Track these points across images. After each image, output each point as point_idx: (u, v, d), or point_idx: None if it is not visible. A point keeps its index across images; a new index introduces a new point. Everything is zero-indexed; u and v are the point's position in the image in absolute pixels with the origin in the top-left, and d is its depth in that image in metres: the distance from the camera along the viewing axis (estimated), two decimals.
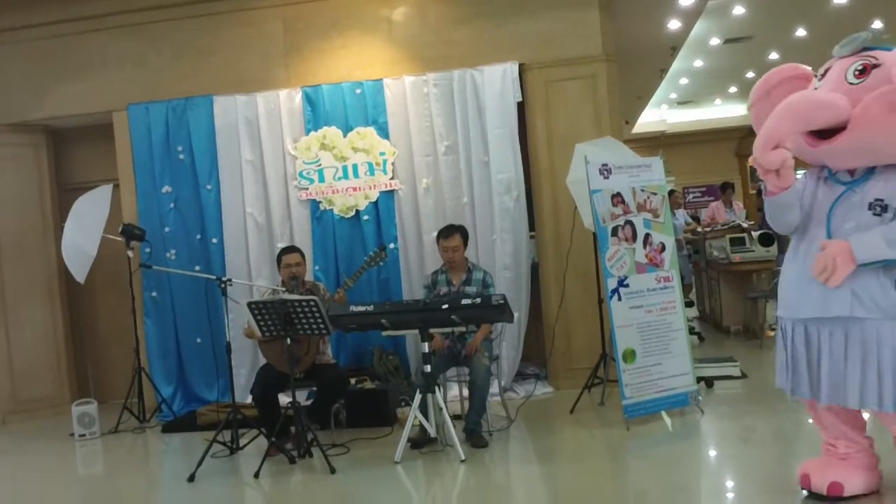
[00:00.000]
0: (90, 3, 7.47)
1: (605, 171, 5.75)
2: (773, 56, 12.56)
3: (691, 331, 7.16)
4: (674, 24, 9.77)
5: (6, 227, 7.78)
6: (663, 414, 5.69)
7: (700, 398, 5.89)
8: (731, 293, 9.29)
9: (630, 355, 5.62)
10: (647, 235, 5.81)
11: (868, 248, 3.42)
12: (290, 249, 6.17)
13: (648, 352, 5.69)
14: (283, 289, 5.90)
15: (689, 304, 9.16)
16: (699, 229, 11.05)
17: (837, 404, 3.65)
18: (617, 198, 5.75)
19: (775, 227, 3.83)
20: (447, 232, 6.02)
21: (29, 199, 7.91)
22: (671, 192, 10.91)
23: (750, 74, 14.26)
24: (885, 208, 3.46)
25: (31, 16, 7.56)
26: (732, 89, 16.53)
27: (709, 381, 6.68)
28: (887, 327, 3.46)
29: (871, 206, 3.49)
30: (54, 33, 7.58)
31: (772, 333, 9.20)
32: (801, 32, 11.10)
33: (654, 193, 5.89)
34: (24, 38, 7.65)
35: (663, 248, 5.86)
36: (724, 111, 18.42)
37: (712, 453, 5.30)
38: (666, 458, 5.07)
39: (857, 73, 3.53)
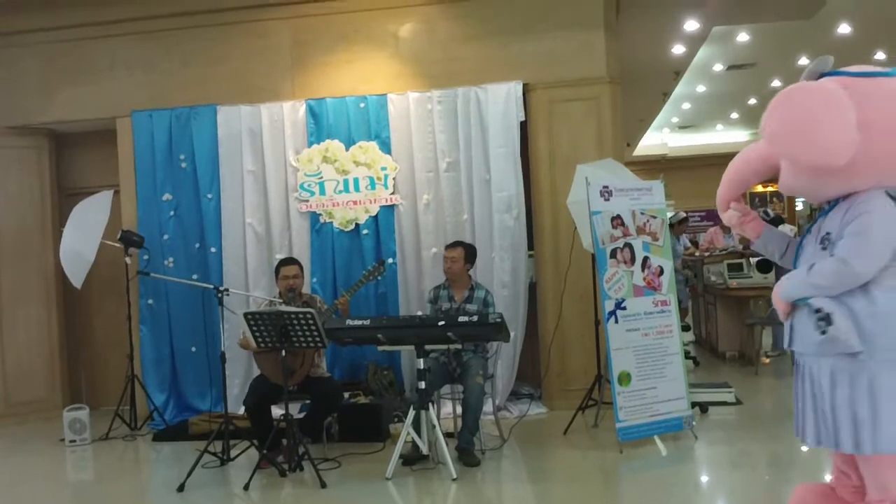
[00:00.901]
0: (100, 8, 7.50)
1: (606, 192, 5.76)
2: (776, 83, 12.64)
3: (687, 355, 7.15)
4: (678, 49, 9.84)
5: (5, 229, 7.78)
6: (656, 438, 5.68)
7: (694, 423, 5.88)
8: (727, 319, 9.29)
9: (625, 378, 5.61)
10: (645, 258, 5.81)
11: (787, 285, 3.45)
12: (289, 261, 6.17)
13: (644, 375, 5.67)
14: (280, 300, 5.89)
15: (685, 329, 9.16)
16: (697, 253, 11.06)
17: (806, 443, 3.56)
18: (617, 220, 5.75)
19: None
20: (452, 244, 6.14)
21: (29, 201, 7.91)
22: (684, 220, 10.97)
23: (752, 101, 14.36)
24: (829, 242, 3.38)
25: (42, 20, 7.59)
26: (734, 115, 16.62)
27: (703, 407, 6.66)
28: (815, 364, 3.38)
29: (822, 241, 3.45)
30: (63, 38, 7.62)
31: (767, 360, 9.20)
32: (803, 61, 11.16)
33: (654, 217, 5.89)
34: (33, 42, 7.68)
35: (661, 272, 5.86)
36: (726, 136, 18.51)
37: (705, 478, 5.28)
38: (659, 482, 5.05)
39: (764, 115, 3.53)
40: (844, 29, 9.81)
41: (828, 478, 3.79)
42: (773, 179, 3.71)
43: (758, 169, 3.64)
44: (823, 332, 3.28)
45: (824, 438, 3.38)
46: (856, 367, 3.27)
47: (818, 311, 3.31)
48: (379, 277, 6.33)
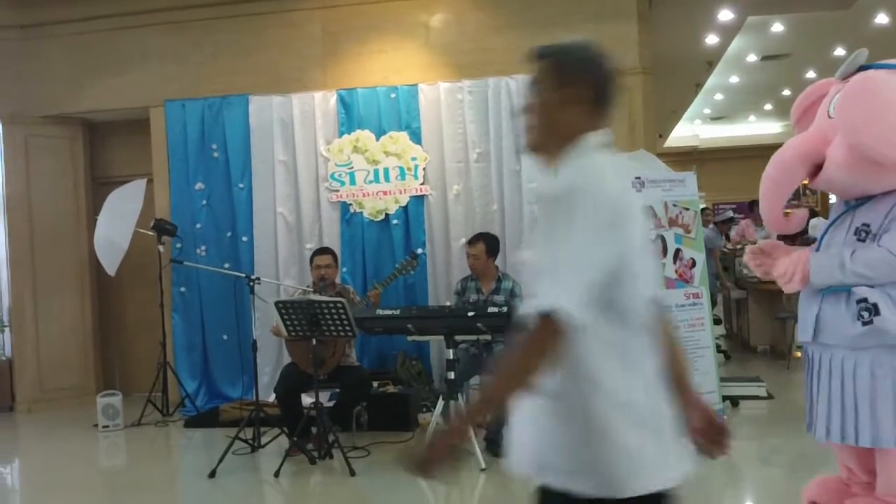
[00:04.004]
0: None
1: (638, 184, 5.72)
2: (811, 74, 12.45)
3: (718, 349, 7.09)
4: (711, 39, 9.72)
5: (40, 218, 7.88)
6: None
7: (725, 417, 5.83)
8: (759, 312, 9.19)
9: None
10: (677, 251, 5.77)
11: (821, 267, 3.35)
12: (323, 251, 6.21)
13: None
14: (312, 289, 5.92)
15: (716, 322, 9.08)
16: (729, 247, 10.95)
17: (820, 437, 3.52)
18: (648, 211, 5.71)
19: None
20: (472, 239, 6.10)
21: (63, 190, 8.01)
22: (703, 210, 10.81)
23: (786, 92, 14.15)
24: (868, 233, 3.34)
25: (75, 10, 7.67)
26: (767, 106, 16.40)
27: (734, 401, 6.61)
28: (850, 357, 3.31)
29: (857, 231, 3.38)
30: (97, 28, 7.69)
31: (799, 355, 9.10)
32: (839, 51, 10.99)
33: (687, 209, 5.84)
34: (67, 32, 7.77)
35: (693, 264, 5.81)
36: (758, 128, 18.27)
37: (735, 474, 5.24)
38: (687, 477, 5.01)
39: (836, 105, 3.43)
40: (882, 19, 9.63)
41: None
42: None
43: (798, 172, 3.54)
44: (866, 323, 3.21)
45: (853, 433, 3.32)
46: None
47: (863, 300, 3.24)
48: (412, 271, 6.33)
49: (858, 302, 3.24)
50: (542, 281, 1.75)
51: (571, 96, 1.94)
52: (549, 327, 1.70)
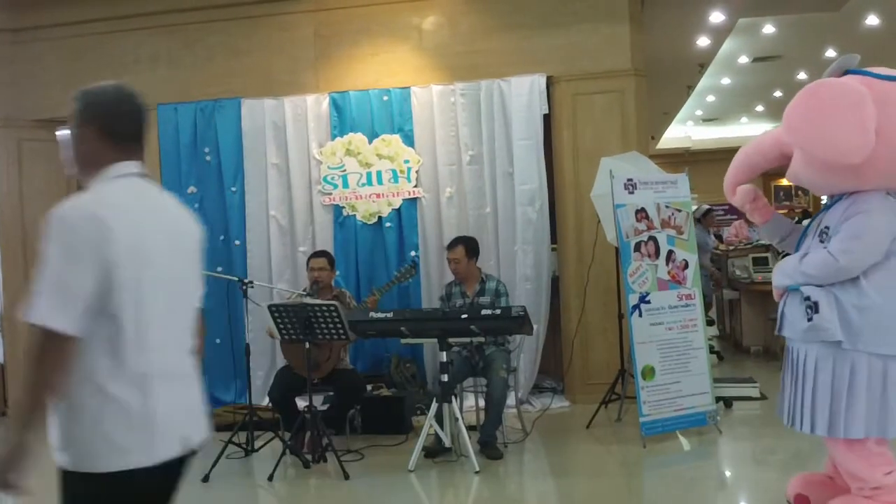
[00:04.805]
0: (123, 3, 7.53)
1: (631, 185, 5.73)
2: (802, 76, 12.50)
3: (711, 350, 7.11)
4: (703, 41, 9.76)
5: (33, 222, 7.84)
6: (679, 433, 5.65)
7: (718, 418, 5.85)
8: (751, 313, 9.21)
9: (649, 372, 5.59)
10: (670, 252, 5.78)
11: (781, 272, 3.68)
12: (318, 254, 6.22)
13: (668, 369, 5.65)
14: (306, 293, 5.92)
15: (710, 323, 9.09)
16: (721, 247, 10.97)
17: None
18: (641, 213, 5.72)
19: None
20: (451, 244, 6.10)
21: (56, 195, 7.90)
22: (708, 212, 10.80)
23: (778, 94, 14.22)
24: (827, 235, 3.55)
25: (67, 14, 7.64)
26: (759, 108, 16.46)
27: (728, 402, 6.62)
28: (802, 350, 3.61)
29: (820, 234, 3.62)
30: (89, 31, 7.66)
31: None
32: (830, 53, 11.03)
33: (679, 210, 5.86)
34: (60, 36, 7.73)
35: (686, 266, 5.82)
36: (750, 129, 18.29)
37: (729, 474, 5.26)
38: (682, 477, 5.04)
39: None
40: (872, 21, 9.67)
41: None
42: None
43: (769, 155, 3.78)
44: (810, 319, 3.50)
45: (799, 420, 3.63)
46: (839, 355, 3.47)
47: (807, 298, 3.51)
48: (409, 279, 6.33)
49: (804, 300, 3.52)
50: (35, 297, 2.01)
51: (89, 133, 2.26)
52: (48, 342, 2.00)
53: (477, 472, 5.07)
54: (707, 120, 17.80)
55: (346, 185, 7.24)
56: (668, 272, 5.76)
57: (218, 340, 7.34)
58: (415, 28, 7.28)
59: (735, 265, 9.50)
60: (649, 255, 5.72)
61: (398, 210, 7.21)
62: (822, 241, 3.55)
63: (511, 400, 5.99)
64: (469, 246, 6.02)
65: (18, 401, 2.09)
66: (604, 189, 5.97)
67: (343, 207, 7.26)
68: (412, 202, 7.20)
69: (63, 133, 2.33)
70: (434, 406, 5.29)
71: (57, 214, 2.08)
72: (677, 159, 17.76)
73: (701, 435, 5.77)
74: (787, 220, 4.13)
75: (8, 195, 7.83)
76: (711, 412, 5.76)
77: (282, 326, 5.40)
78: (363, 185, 7.22)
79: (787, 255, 8.35)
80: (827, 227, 3.55)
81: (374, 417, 6.28)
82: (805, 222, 4.12)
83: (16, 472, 2.05)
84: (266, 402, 6.36)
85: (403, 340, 5.53)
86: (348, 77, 7.34)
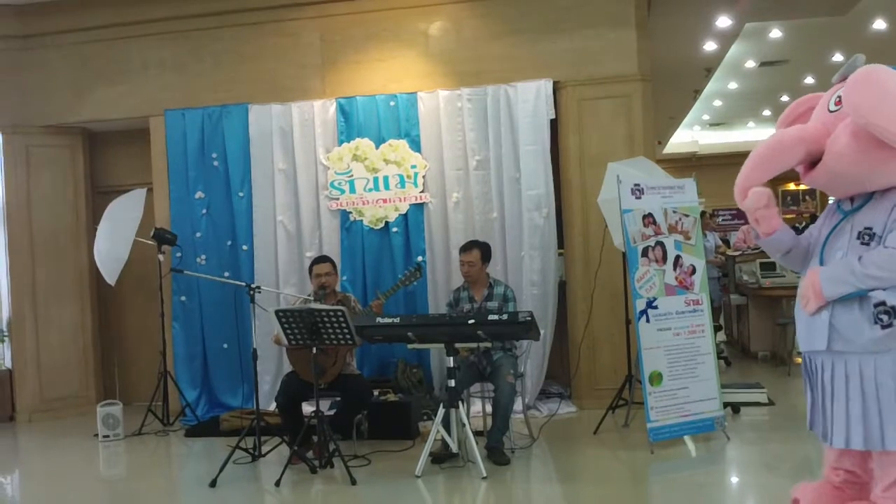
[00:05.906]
0: (131, 9, 7.60)
1: (638, 190, 5.72)
2: (809, 80, 12.48)
3: (719, 355, 7.09)
4: (710, 46, 9.75)
5: (40, 227, 7.89)
6: (686, 439, 5.63)
7: (726, 424, 5.82)
8: (759, 318, 9.19)
9: (656, 378, 5.57)
10: (677, 257, 5.76)
11: (833, 281, 3.34)
12: (322, 259, 6.21)
13: (675, 375, 5.63)
14: (312, 298, 5.91)
15: (717, 329, 9.07)
16: (729, 252, 10.93)
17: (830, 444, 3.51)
18: (648, 218, 5.71)
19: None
20: (466, 247, 6.06)
21: (63, 200, 8.02)
22: (702, 214, 10.75)
23: (784, 98, 14.17)
24: (872, 236, 3.35)
25: (75, 20, 7.69)
26: (766, 112, 16.42)
27: (735, 407, 6.60)
28: (869, 361, 3.31)
29: (860, 235, 3.38)
30: (97, 38, 7.72)
31: (800, 360, 9.09)
32: (837, 57, 11.01)
33: (686, 215, 5.85)
34: (67, 42, 7.79)
35: (693, 271, 5.81)
36: (757, 134, 18.26)
37: (737, 480, 5.24)
38: (690, 483, 5.01)
39: (836, 101, 3.44)
40: (880, 25, 9.64)
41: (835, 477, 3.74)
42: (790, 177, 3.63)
43: (796, 152, 3.49)
44: (885, 326, 3.22)
45: (870, 439, 3.31)
46: (881, 361, 3.25)
47: (881, 304, 3.24)
48: (415, 283, 6.33)
49: (876, 306, 3.24)
50: None
51: None
52: None
53: (484, 478, 5.05)
54: (714, 124, 17.77)
55: (352, 190, 7.25)
56: (676, 277, 5.74)
57: (225, 345, 7.38)
58: (421, 34, 7.29)
59: (743, 270, 9.47)
60: (657, 261, 5.70)
61: (405, 215, 7.21)
62: (864, 243, 3.34)
63: (518, 405, 5.98)
64: (484, 250, 6.02)
65: None
66: (611, 194, 5.96)
67: (350, 212, 7.26)
68: (419, 207, 7.20)
69: None
70: (441, 411, 5.28)
71: None
72: (684, 164, 17.78)
73: (709, 441, 5.75)
74: (793, 232, 3.90)
75: (15, 200, 7.86)
76: (719, 418, 5.73)
77: (289, 331, 5.40)
78: (370, 190, 7.23)
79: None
80: (868, 228, 3.36)
81: (380, 423, 6.27)
82: (808, 232, 3.87)
83: None
84: (273, 407, 6.35)
85: (410, 345, 5.52)
86: (355, 82, 7.36)
